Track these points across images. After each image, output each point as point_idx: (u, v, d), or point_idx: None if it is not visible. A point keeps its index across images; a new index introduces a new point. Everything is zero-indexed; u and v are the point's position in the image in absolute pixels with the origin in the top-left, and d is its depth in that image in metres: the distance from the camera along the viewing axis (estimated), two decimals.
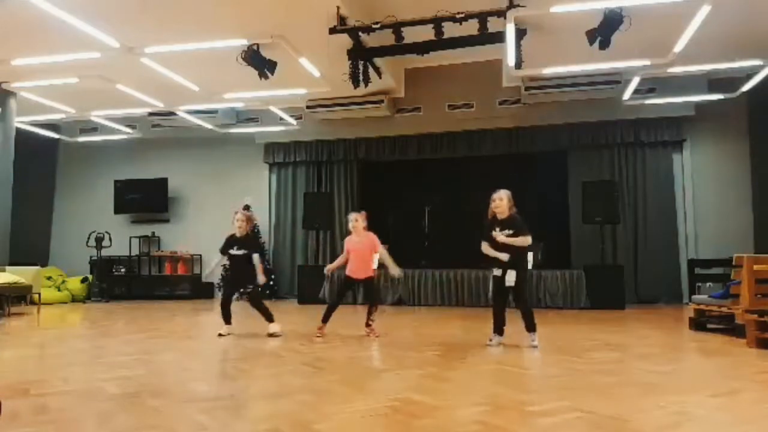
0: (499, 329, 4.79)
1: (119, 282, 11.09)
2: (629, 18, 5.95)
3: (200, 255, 11.20)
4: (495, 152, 10.01)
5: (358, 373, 3.73)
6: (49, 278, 10.22)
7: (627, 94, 8.73)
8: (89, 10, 6.12)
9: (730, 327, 5.29)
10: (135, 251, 11.39)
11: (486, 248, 4.78)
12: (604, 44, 6.26)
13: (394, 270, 5.60)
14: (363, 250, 5.46)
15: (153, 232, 11.58)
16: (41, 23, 6.29)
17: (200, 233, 11.27)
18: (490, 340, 4.79)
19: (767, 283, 5.02)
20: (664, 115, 9.20)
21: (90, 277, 10.81)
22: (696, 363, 4.30)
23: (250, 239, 5.72)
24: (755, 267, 4.98)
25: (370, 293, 5.72)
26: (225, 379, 3.66)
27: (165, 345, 5.10)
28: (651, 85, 8.86)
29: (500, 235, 4.63)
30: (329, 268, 5.81)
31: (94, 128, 11.55)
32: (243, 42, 6.80)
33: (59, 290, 10.35)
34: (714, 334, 5.49)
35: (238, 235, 5.59)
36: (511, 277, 4.62)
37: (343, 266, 5.59)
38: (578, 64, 7.67)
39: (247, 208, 10.67)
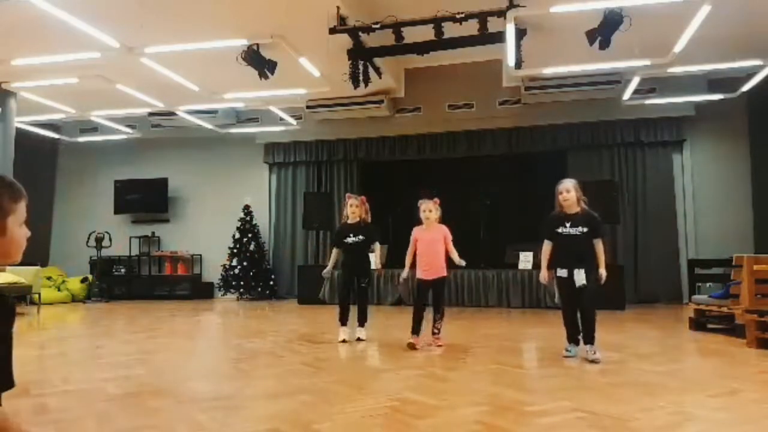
0: (575, 338, 4.23)
1: (119, 282, 11.09)
2: (629, 18, 5.95)
3: (200, 255, 11.20)
4: (495, 152, 10.01)
5: (358, 373, 3.73)
6: (49, 278, 10.22)
7: (627, 94, 8.73)
8: (89, 10, 6.12)
9: (730, 327, 5.29)
10: (135, 251, 11.39)
11: (546, 250, 4.27)
12: (604, 44, 6.25)
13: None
14: (435, 243, 4.79)
15: (153, 232, 11.58)
16: (41, 23, 6.29)
17: (200, 233, 11.29)
18: (567, 350, 4.22)
19: (767, 283, 5.02)
20: (664, 115, 9.20)
21: (90, 277, 10.82)
22: (696, 363, 4.30)
23: (367, 225, 5.25)
24: (755, 267, 4.98)
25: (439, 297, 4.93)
26: (225, 379, 3.66)
27: (165, 345, 5.10)
28: (651, 85, 8.86)
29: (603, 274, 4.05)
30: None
31: (94, 128, 11.54)
32: (243, 42, 6.80)
33: (59, 290, 10.35)
34: (714, 334, 5.49)
35: (350, 221, 5.20)
36: (581, 276, 4.05)
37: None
38: (578, 64, 7.67)
39: (246, 207, 10.74)
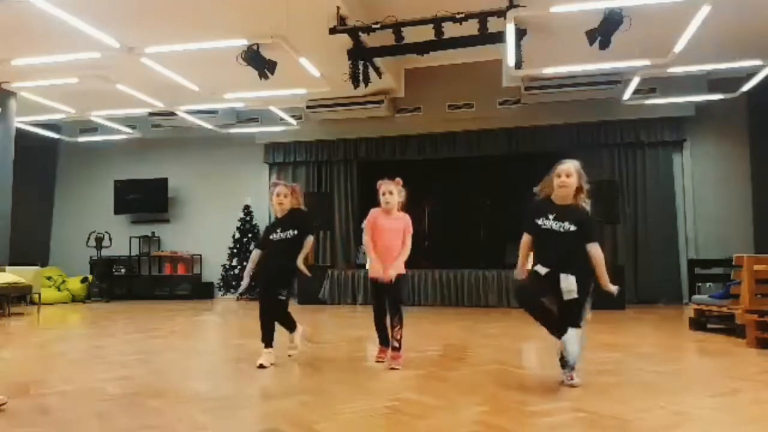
0: (554, 329, 3.23)
1: (119, 282, 11.08)
2: (629, 18, 5.95)
3: (200, 255, 11.20)
4: (495, 152, 10.01)
5: (358, 373, 3.73)
6: (49, 278, 10.22)
7: (627, 94, 8.73)
8: (89, 10, 6.12)
9: (730, 327, 5.28)
10: (135, 251, 11.38)
11: (524, 243, 3.41)
12: (604, 44, 6.26)
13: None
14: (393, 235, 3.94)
15: (153, 232, 11.58)
16: (41, 23, 6.29)
17: (200, 233, 11.28)
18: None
19: (767, 283, 5.02)
20: (664, 115, 9.19)
21: (90, 277, 10.81)
22: (696, 363, 4.30)
23: (301, 214, 4.14)
24: (755, 267, 4.98)
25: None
26: (225, 379, 3.66)
27: (165, 345, 5.10)
28: (651, 85, 8.86)
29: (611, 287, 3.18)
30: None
31: (94, 128, 11.54)
32: (243, 42, 6.80)
33: (59, 290, 10.35)
34: (714, 334, 5.48)
35: (279, 216, 4.12)
36: (569, 283, 3.12)
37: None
38: (578, 64, 7.67)
39: (246, 207, 10.74)
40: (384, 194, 3.89)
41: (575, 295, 3.14)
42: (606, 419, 2.53)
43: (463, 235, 9.77)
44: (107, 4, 6.04)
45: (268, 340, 3.98)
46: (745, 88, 8.45)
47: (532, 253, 3.41)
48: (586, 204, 3.37)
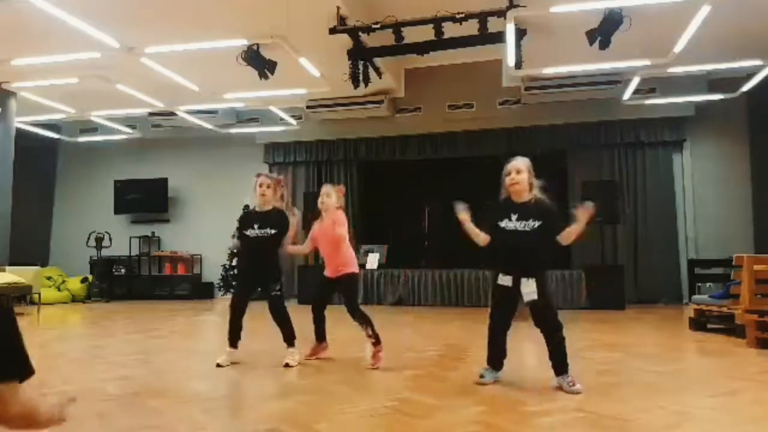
0: (496, 361, 3.35)
1: (119, 282, 11.08)
2: (629, 18, 5.95)
3: (200, 255, 11.20)
4: (495, 152, 9.98)
5: (358, 373, 3.73)
6: (49, 278, 10.22)
7: (627, 94, 8.73)
8: (89, 10, 6.12)
9: (730, 327, 5.28)
10: (135, 251, 11.38)
11: (477, 232, 3.33)
12: (604, 44, 6.26)
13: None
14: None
15: (153, 232, 11.58)
16: (41, 23, 6.29)
17: (200, 233, 11.28)
18: (482, 376, 3.31)
19: (767, 283, 5.02)
20: (664, 115, 9.19)
21: (90, 277, 10.81)
22: (696, 363, 4.30)
23: (280, 214, 4.20)
24: (755, 267, 4.98)
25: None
26: (225, 379, 3.65)
27: (165, 345, 5.10)
28: (651, 85, 8.86)
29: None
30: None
31: (94, 128, 11.54)
32: (243, 42, 6.80)
33: (59, 290, 10.35)
34: (714, 334, 5.48)
35: (258, 209, 4.22)
36: (529, 288, 3.14)
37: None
38: (578, 64, 7.67)
39: (246, 208, 10.73)
40: (509, 173, 3.40)
41: (535, 297, 3.16)
42: (606, 419, 2.54)
43: (463, 235, 9.75)
44: (107, 4, 6.04)
45: (233, 340, 4.04)
46: (745, 88, 8.45)
47: (480, 234, 3.37)
48: (541, 192, 3.30)
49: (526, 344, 5.19)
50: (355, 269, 4.06)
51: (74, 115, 10.39)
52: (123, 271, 11.24)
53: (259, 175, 4.17)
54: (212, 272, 10.99)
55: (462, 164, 10.28)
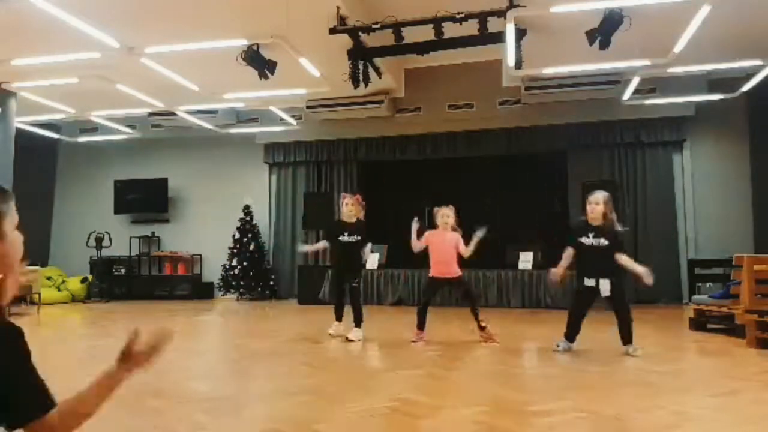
0: (572, 337, 4.50)
1: (119, 282, 11.08)
2: (629, 18, 5.95)
3: (200, 255, 11.20)
4: (495, 152, 10.01)
5: (358, 373, 3.74)
6: (49, 278, 10.22)
7: (627, 94, 8.72)
8: (89, 10, 6.11)
9: (730, 327, 5.28)
10: (135, 251, 11.38)
11: (567, 254, 4.49)
12: (604, 44, 6.25)
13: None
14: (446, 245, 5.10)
15: (153, 232, 11.58)
16: (41, 23, 6.29)
17: (200, 233, 11.28)
18: (557, 344, 4.50)
19: (767, 283, 5.02)
20: (664, 115, 9.18)
21: (90, 277, 10.81)
22: (696, 363, 4.30)
23: (363, 225, 5.37)
24: (755, 267, 4.98)
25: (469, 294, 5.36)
26: (225, 379, 3.66)
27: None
28: (651, 85, 8.85)
29: (634, 265, 4.28)
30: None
31: (94, 128, 11.53)
32: (243, 42, 6.80)
33: (59, 290, 10.35)
34: (714, 334, 5.49)
35: (347, 220, 5.27)
36: (606, 286, 4.28)
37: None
38: (578, 64, 7.66)
39: (246, 207, 10.74)
40: (590, 203, 4.51)
41: (608, 293, 4.29)
42: (606, 419, 2.54)
43: (463, 236, 9.75)
44: (107, 4, 6.04)
45: (339, 316, 5.29)
46: (745, 88, 8.44)
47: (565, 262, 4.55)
48: (617, 225, 4.38)
49: (527, 344, 5.20)
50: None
51: (74, 115, 10.39)
52: (123, 271, 11.24)
53: (344, 196, 5.41)
54: (212, 272, 10.99)
55: (462, 164, 10.28)
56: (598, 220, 4.33)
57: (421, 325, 4.98)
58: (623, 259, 4.28)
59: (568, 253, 4.48)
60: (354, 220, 5.26)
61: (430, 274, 5.11)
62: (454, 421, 2.53)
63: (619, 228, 4.38)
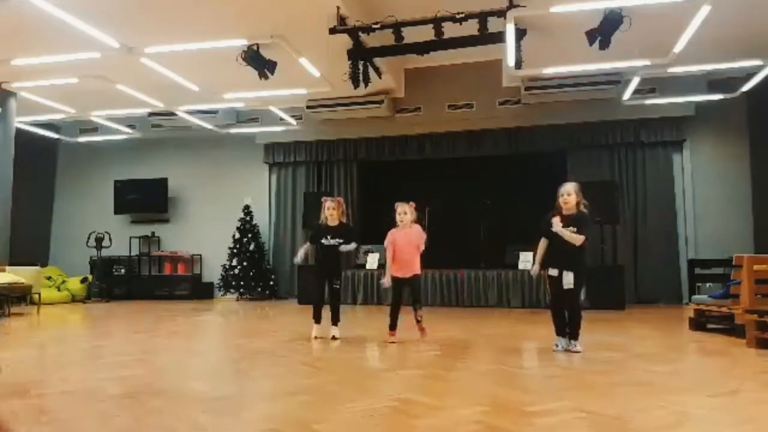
0: (563, 332, 4.50)
1: (119, 282, 11.08)
2: (629, 18, 5.95)
3: (200, 255, 11.20)
4: (495, 152, 10.01)
5: (358, 373, 3.73)
6: (49, 278, 10.22)
7: (627, 94, 8.73)
8: (89, 10, 6.12)
9: (730, 327, 5.28)
10: (135, 251, 11.39)
11: (540, 246, 4.55)
12: (604, 44, 6.26)
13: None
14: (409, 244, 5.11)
15: (153, 232, 11.58)
16: (41, 23, 6.30)
17: (200, 233, 11.28)
18: (556, 345, 4.49)
19: (767, 283, 5.02)
20: (664, 115, 9.19)
21: (90, 277, 10.81)
22: (696, 363, 4.30)
23: (345, 227, 5.39)
24: (755, 267, 4.98)
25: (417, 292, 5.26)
26: (225, 379, 3.66)
27: (165, 345, 5.10)
28: (651, 85, 8.86)
29: (557, 225, 4.33)
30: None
31: (94, 128, 11.54)
32: (243, 42, 6.81)
33: (59, 290, 10.35)
34: (714, 334, 5.48)
35: (329, 224, 5.28)
36: (568, 279, 4.33)
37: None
38: (578, 64, 7.67)
39: (246, 207, 10.74)
40: (562, 195, 4.54)
41: (572, 287, 4.33)
42: (606, 419, 2.53)
43: (463, 235, 9.77)
44: (107, 4, 6.04)
45: (318, 318, 5.33)
46: (745, 88, 8.45)
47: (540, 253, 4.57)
48: (585, 209, 4.45)
49: (527, 344, 5.19)
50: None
51: (74, 115, 10.40)
52: (123, 271, 11.24)
53: (325, 200, 5.38)
54: (212, 272, 11.00)
55: (462, 164, 10.28)
56: (571, 211, 4.40)
57: (393, 327, 5.04)
58: (566, 234, 4.31)
59: (543, 245, 4.55)
60: (336, 223, 5.29)
61: (392, 274, 5.11)
62: (454, 421, 2.53)
63: (586, 213, 4.43)
